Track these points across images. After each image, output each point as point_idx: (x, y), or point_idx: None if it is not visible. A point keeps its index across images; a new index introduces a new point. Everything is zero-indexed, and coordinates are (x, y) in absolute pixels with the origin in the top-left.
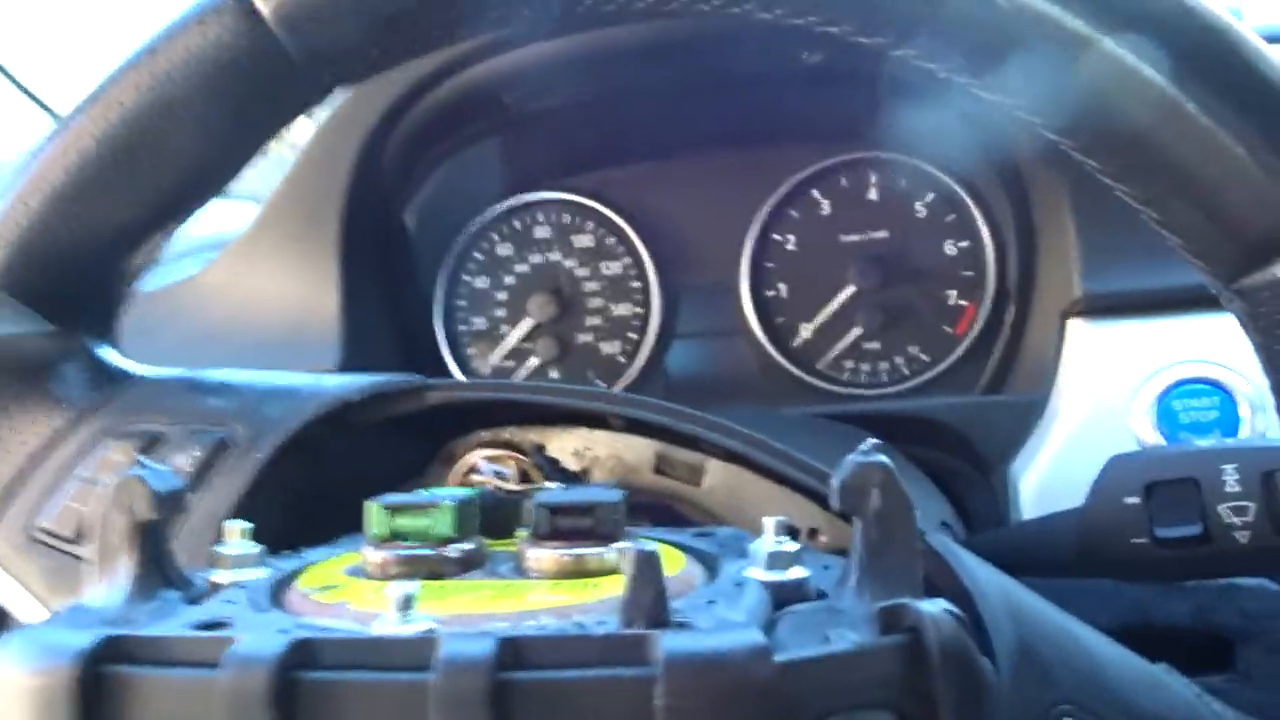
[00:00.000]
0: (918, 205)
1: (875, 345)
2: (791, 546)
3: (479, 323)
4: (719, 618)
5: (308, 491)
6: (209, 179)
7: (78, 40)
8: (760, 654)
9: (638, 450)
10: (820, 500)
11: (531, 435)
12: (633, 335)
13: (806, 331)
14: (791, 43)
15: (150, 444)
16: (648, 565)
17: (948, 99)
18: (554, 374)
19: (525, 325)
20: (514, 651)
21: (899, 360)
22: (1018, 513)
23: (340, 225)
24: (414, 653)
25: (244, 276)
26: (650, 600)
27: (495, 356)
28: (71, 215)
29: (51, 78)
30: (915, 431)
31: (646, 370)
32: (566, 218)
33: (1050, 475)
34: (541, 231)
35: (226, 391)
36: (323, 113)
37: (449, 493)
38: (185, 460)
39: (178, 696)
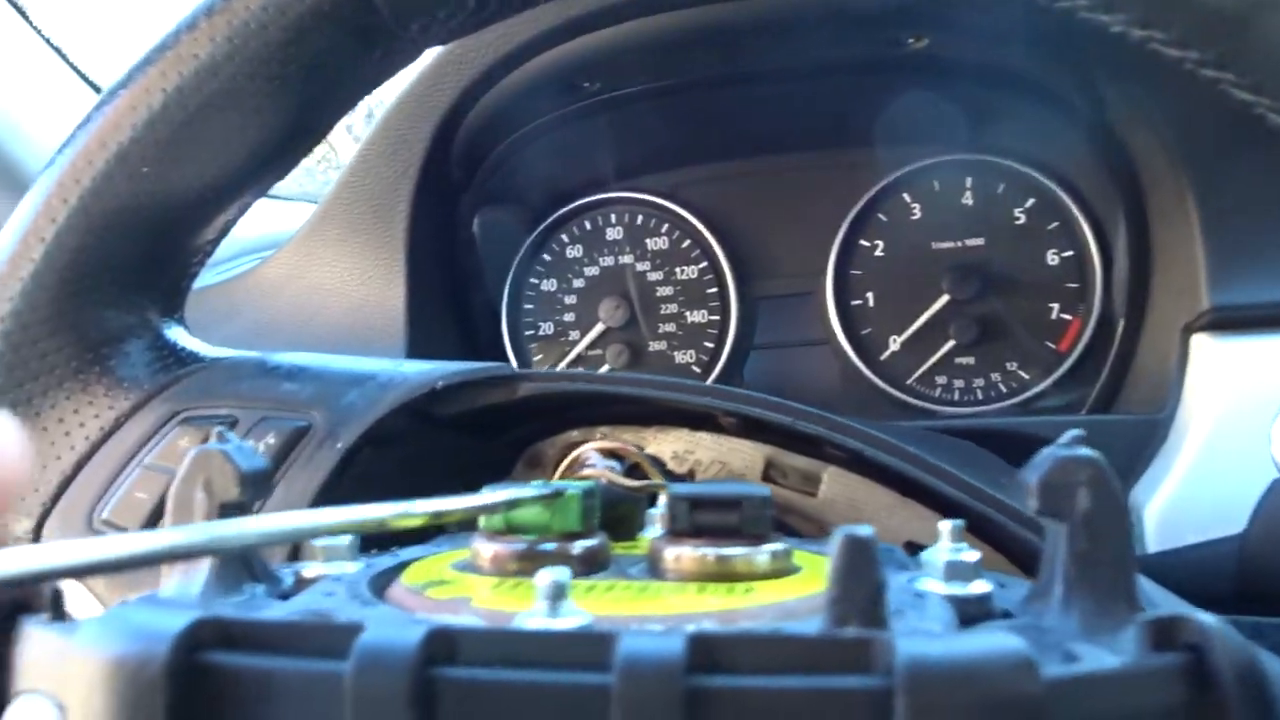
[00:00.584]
0: (1017, 211)
1: (969, 360)
2: (971, 556)
3: (546, 327)
4: (917, 629)
5: (387, 485)
6: (285, 146)
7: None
8: (1025, 666)
9: (746, 455)
10: (953, 514)
11: (626, 436)
12: (708, 344)
13: (895, 344)
14: (896, 25)
15: (219, 432)
16: (862, 554)
17: (1053, 92)
18: None
19: (595, 331)
20: (707, 652)
21: (995, 377)
22: (1141, 543)
23: (408, 218)
24: (585, 650)
25: (307, 270)
26: (867, 596)
27: (563, 363)
28: (139, 177)
29: (100, 56)
30: (1018, 452)
31: (722, 381)
32: (640, 219)
33: (1178, 502)
34: (613, 233)
35: (303, 376)
36: (388, 100)
37: (568, 485)
38: (260, 448)
39: (294, 690)
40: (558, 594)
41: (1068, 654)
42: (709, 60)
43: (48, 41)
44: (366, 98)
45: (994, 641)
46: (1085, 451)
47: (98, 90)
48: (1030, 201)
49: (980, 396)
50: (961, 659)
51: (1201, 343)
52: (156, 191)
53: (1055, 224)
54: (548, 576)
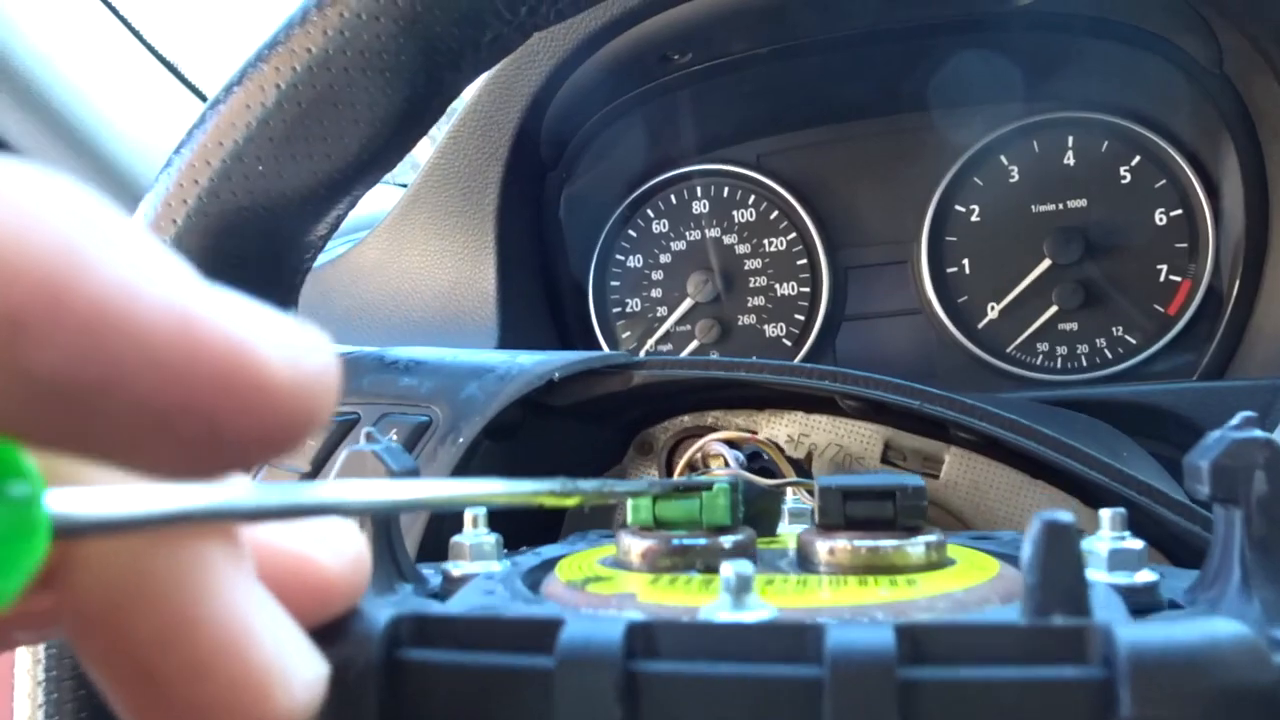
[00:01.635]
0: (1122, 170)
1: (1073, 326)
2: (1135, 544)
3: (633, 304)
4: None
5: (505, 476)
6: (397, 136)
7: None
8: (1255, 652)
9: (864, 437)
10: (1085, 495)
11: (739, 420)
12: (799, 316)
13: (994, 311)
14: None
15: (345, 427)
16: (1063, 539)
17: (1163, 42)
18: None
19: (684, 306)
20: (917, 643)
21: (1100, 343)
22: None
23: (498, 199)
24: (791, 643)
25: (398, 254)
26: (1070, 584)
27: (651, 340)
28: (255, 176)
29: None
30: (1130, 421)
31: (814, 355)
32: (725, 191)
33: None
34: (699, 206)
35: (421, 370)
36: (474, 83)
37: (715, 479)
38: None
39: (500, 686)
40: (743, 587)
41: (1272, 641)
42: (802, 24)
43: (154, 52)
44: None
45: (1218, 628)
46: (1259, 433)
47: (204, 99)
48: (1136, 159)
49: (1084, 364)
50: (1187, 646)
51: None
52: (272, 189)
53: (1163, 182)
54: (731, 569)
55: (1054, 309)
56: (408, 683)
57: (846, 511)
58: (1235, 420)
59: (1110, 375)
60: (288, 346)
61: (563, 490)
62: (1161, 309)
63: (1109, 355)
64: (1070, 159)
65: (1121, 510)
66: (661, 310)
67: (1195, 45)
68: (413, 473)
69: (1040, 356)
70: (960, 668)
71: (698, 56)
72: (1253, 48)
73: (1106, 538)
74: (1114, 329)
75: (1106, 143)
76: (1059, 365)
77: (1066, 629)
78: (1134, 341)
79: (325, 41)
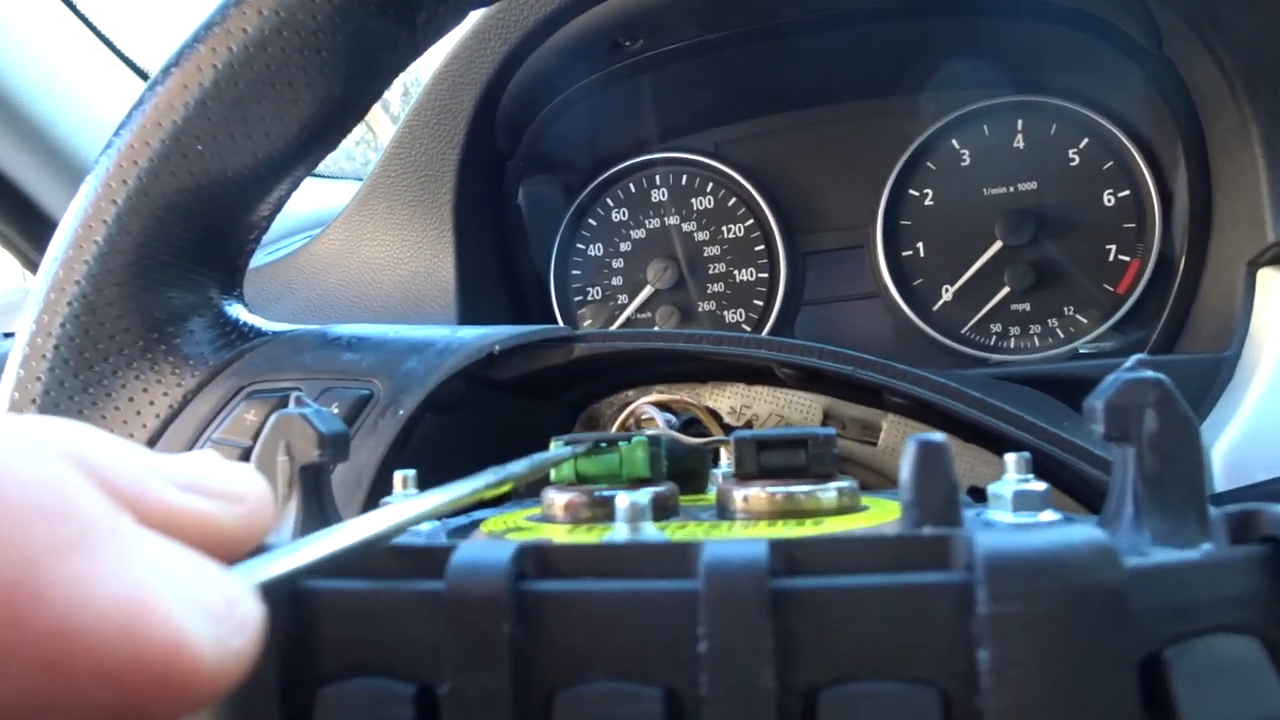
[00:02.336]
0: (1070, 152)
1: (1025, 307)
2: (1038, 486)
3: (594, 292)
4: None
5: (448, 450)
6: (337, 116)
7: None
8: (1106, 553)
9: (803, 406)
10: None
11: (683, 393)
12: (758, 302)
13: (948, 293)
14: None
15: (286, 402)
16: (936, 458)
17: (1106, 26)
18: None
19: (644, 293)
20: (789, 556)
21: (1052, 322)
22: (1210, 487)
23: (454, 188)
24: (670, 559)
25: (357, 245)
26: (942, 497)
27: (613, 327)
28: (194, 156)
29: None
30: (1080, 397)
31: None
32: (684, 179)
33: (1246, 440)
34: (658, 194)
35: (363, 346)
36: (429, 71)
37: (633, 435)
38: None
39: (388, 609)
40: (637, 515)
41: (1140, 553)
42: (750, 11)
43: (93, 29)
44: (403, 75)
45: (1073, 532)
46: (1150, 374)
47: (144, 76)
48: (1084, 141)
49: (1037, 343)
50: (1041, 549)
51: (1268, 277)
52: (212, 170)
53: (1110, 163)
54: (626, 499)
55: (1006, 290)
56: (309, 612)
57: (761, 461)
58: (1129, 362)
59: (1063, 354)
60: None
61: (498, 479)
62: (1111, 288)
63: (1061, 334)
64: (1020, 142)
65: (1026, 455)
66: (623, 297)
67: (1135, 28)
68: (341, 436)
69: (994, 337)
70: (831, 578)
71: (649, 43)
72: (1189, 29)
73: (1011, 480)
74: (1065, 309)
75: (1055, 125)
76: (1013, 345)
77: (932, 538)
78: (1085, 320)
79: (261, 22)
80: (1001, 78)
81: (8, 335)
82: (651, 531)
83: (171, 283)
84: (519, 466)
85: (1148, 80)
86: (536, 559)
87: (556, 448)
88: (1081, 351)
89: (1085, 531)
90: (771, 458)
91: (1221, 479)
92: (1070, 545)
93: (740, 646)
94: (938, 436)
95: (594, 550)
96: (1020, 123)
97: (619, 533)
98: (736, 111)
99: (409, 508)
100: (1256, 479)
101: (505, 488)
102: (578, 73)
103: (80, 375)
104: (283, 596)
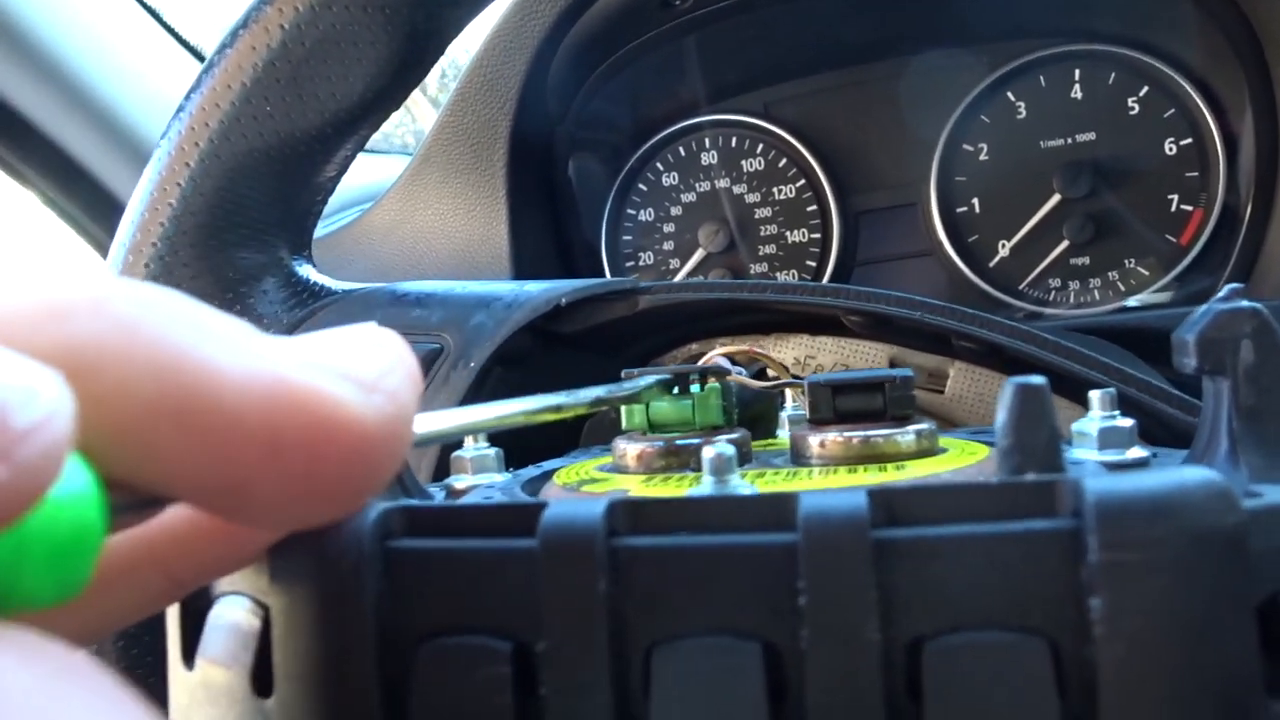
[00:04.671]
0: (1130, 101)
1: (1084, 260)
2: (1125, 422)
3: (646, 257)
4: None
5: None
6: (400, 74)
7: None
8: (1223, 495)
9: (869, 355)
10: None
11: (746, 345)
12: (810, 263)
13: (1005, 249)
14: None
15: None
16: (1036, 401)
17: None
18: None
19: (696, 257)
20: (890, 506)
21: (1113, 275)
22: None
23: (507, 155)
24: (767, 512)
25: (411, 215)
26: (1043, 443)
27: None
28: (263, 117)
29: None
30: (1146, 348)
31: None
32: (734, 141)
33: None
34: (707, 157)
35: (431, 302)
36: (476, 40)
37: (705, 367)
38: None
39: (483, 567)
40: (725, 468)
41: (1250, 494)
42: None
43: (154, 14)
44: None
45: (1186, 475)
46: (1245, 303)
47: (200, 58)
48: (1144, 90)
49: (1098, 297)
50: (1154, 492)
51: None
52: (280, 130)
53: (1171, 111)
54: (712, 450)
55: (1065, 244)
56: (403, 571)
57: (836, 405)
58: (1222, 293)
59: (1124, 307)
60: (370, 393)
61: (569, 403)
62: (1174, 239)
63: (1122, 287)
64: (1077, 92)
65: (1111, 390)
66: (674, 262)
67: None
68: (432, 355)
69: (1053, 292)
70: (933, 527)
71: (697, 2)
72: None
73: (1097, 417)
74: (1126, 261)
75: (1114, 74)
76: (1072, 300)
77: (1037, 484)
78: (1146, 273)
79: None
80: (1059, 27)
81: None
82: (739, 483)
83: (243, 243)
84: (588, 394)
85: (1211, 23)
86: (628, 514)
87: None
88: (1136, 303)
89: (1198, 473)
90: (847, 401)
91: None
92: (1184, 488)
93: (843, 599)
94: (1037, 379)
95: (687, 504)
96: (1078, 72)
97: (705, 485)
98: (786, 71)
99: (522, 404)
100: None
101: (576, 410)
102: (629, 33)
103: None
104: (376, 556)
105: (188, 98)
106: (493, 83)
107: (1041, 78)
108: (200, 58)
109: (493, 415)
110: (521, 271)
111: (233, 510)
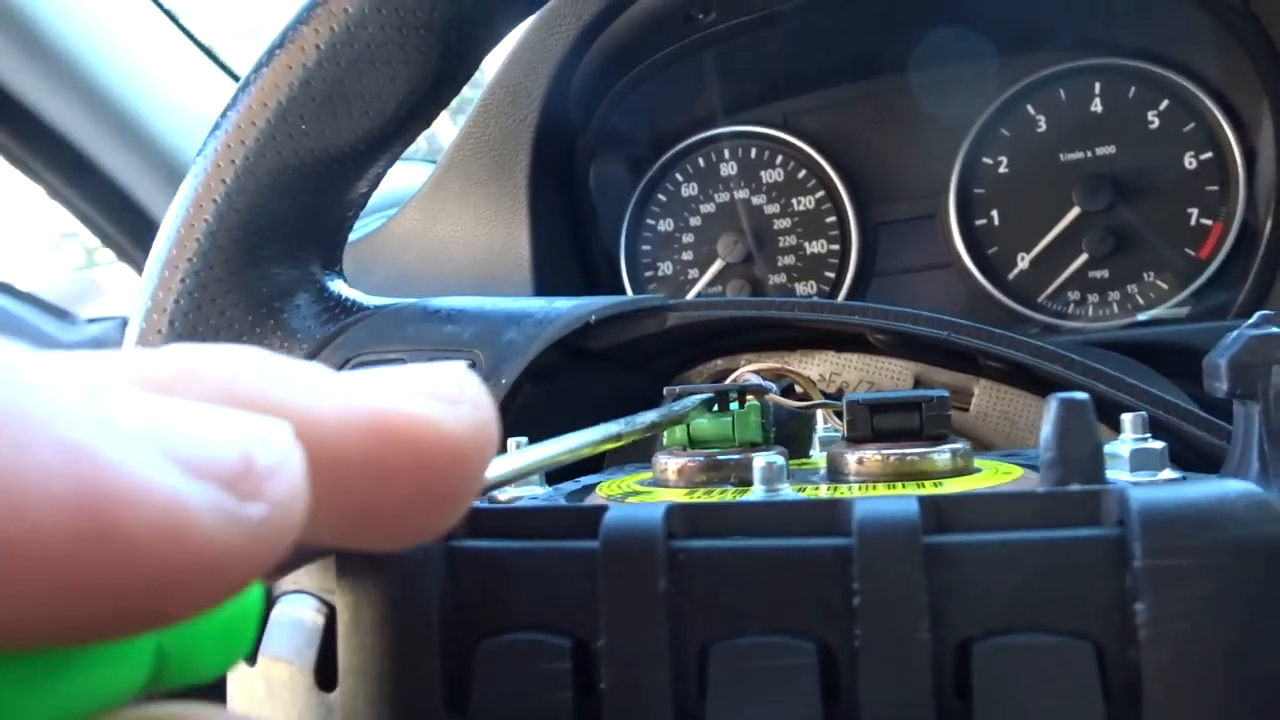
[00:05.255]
0: (1150, 115)
1: (1104, 273)
2: (1156, 445)
3: (664, 267)
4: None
5: (546, 417)
6: (431, 95)
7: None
8: (1264, 507)
9: (893, 373)
10: (1109, 423)
11: (771, 361)
12: (829, 274)
13: (1024, 261)
14: None
15: None
16: (1079, 415)
17: None
18: None
19: (715, 268)
20: (940, 513)
21: (1132, 289)
22: None
23: (529, 166)
24: (822, 516)
25: (433, 223)
26: (1087, 455)
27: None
28: (299, 135)
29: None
30: (1166, 363)
31: None
32: (753, 152)
33: None
34: (727, 168)
35: (463, 318)
36: (502, 50)
37: (742, 385)
38: None
39: (545, 567)
40: (776, 476)
41: None
42: None
43: (187, 33)
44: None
45: (1226, 486)
46: (1277, 329)
47: (234, 76)
48: (1164, 104)
49: (1117, 310)
50: (1197, 502)
51: None
52: (315, 148)
53: (1192, 125)
54: (763, 459)
55: (1084, 257)
56: (465, 571)
57: (874, 424)
58: (1253, 319)
59: (1143, 321)
60: (455, 405)
61: (628, 430)
62: (1193, 253)
63: (1141, 301)
64: (1098, 106)
65: (1143, 413)
66: (693, 272)
67: None
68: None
69: (1072, 305)
70: (982, 534)
71: (722, 14)
72: None
73: (1129, 440)
74: (1146, 274)
75: (1134, 88)
76: (1091, 313)
77: (1082, 493)
78: (1166, 286)
79: (361, 2)
80: (1078, 40)
81: (91, 320)
82: (789, 492)
83: (277, 259)
84: (646, 418)
85: (1231, 38)
86: (686, 518)
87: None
88: (1153, 317)
89: (1239, 486)
90: (885, 420)
91: None
92: (1226, 498)
93: (895, 600)
94: (1080, 395)
95: (743, 508)
96: (1098, 86)
97: (756, 494)
98: (805, 83)
99: (570, 441)
100: None
101: (636, 435)
102: (650, 48)
103: None
104: (439, 556)
105: (224, 115)
106: (516, 95)
107: (1061, 91)
108: (230, 73)
109: (561, 450)
110: (542, 281)
111: (355, 539)
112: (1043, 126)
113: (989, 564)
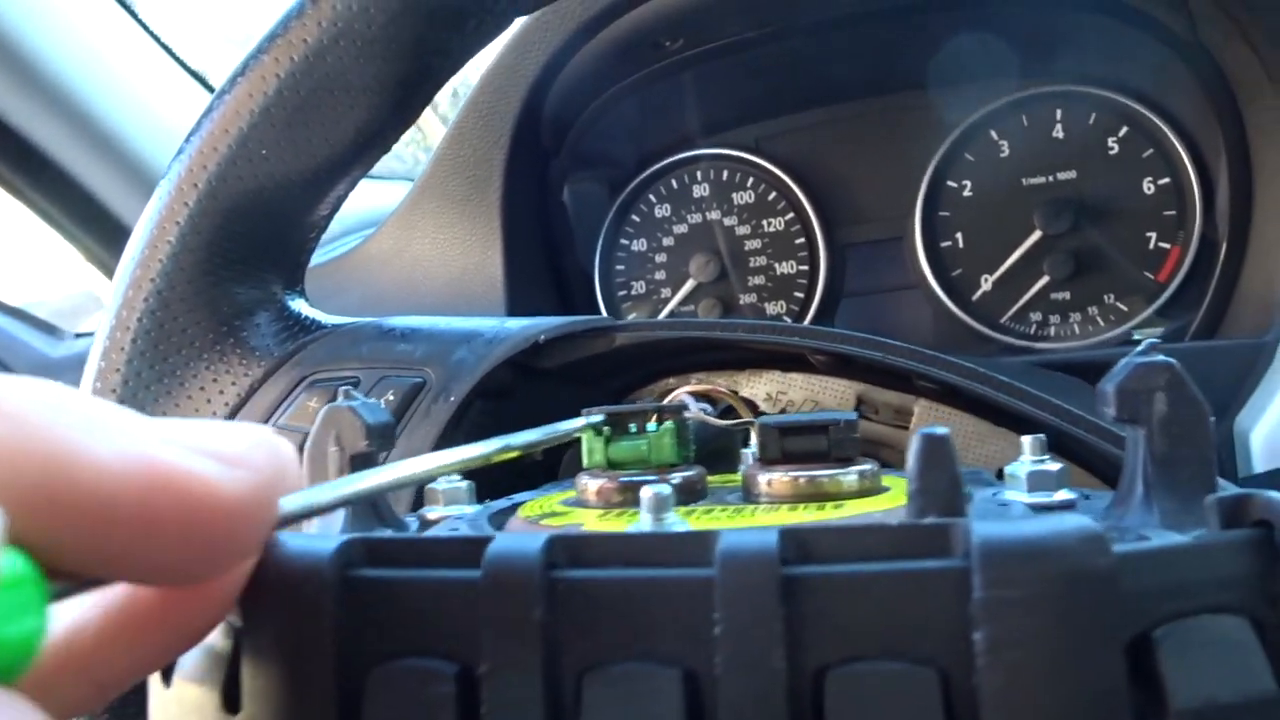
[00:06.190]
0: (1110, 140)
1: (1065, 295)
2: (1054, 466)
3: (638, 286)
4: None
5: (499, 435)
6: (389, 122)
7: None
8: (1095, 541)
9: (837, 392)
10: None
11: (720, 380)
12: (798, 294)
13: (987, 283)
14: None
15: (346, 390)
16: (939, 449)
17: (1140, 12)
18: None
19: (687, 287)
20: (799, 545)
21: (1093, 311)
22: (1247, 467)
23: (502, 187)
24: (688, 548)
25: (408, 244)
26: (946, 486)
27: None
28: (259, 160)
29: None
30: None
31: None
32: (725, 174)
33: None
34: (699, 190)
35: (416, 337)
36: (477, 74)
37: (657, 404)
38: (381, 404)
39: (434, 596)
40: (661, 506)
41: (1141, 537)
42: (789, 7)
43: (160, 42)
44: (452, 79)
45: (1065, 521)
46: (1161, 357)
47: (207, 86)
48: (1123, 130)
49: (1078, 331)
50: (1033, 537)
51: None
52: (275, 173)
53: (1150, 151)
54: (650, 491)
55: (1046, 279)
56: (360, 599)
57: (784, 447)
58: (1141, 346)
59: (1103, 342)
60: (233, 467)
61: (506, 446)
62: (1152, 276)
63: (1101, 323)
64: (1059, 132)
65: (1041, 436)
66: (666, 291)
67: (1169, 15)
68: (387, 426)
69: (1034, 326)
70: (838, 565)
71: (689, 42)
72: (1223, 14)
73: (1027, 461)
74: (1106, 297)
75: (1094, 115)
76: (1053, 334)
77: (933, 527)
78: (1126, 308)
79: (320, 33)
80: (1040, 68)
81: (79, 335)
82: (674, 520)
83: (238, 279)
84: (532, 435)
85: (1185, 67)
86: (566, 549)
87: (590, 434)
88: (1153, 340)
89: (1076, 520)
90: (794, 443)
91: (1260, 460)
92: (1060, 533)
93: (752, 629)
94: (941, 429)
95: (618, 540)
96: (1059, 112)
97: (643, 522)
98: (776, 107)
99: (420, 463)
100: None
101: (512, 455)
102: (620, 73)
103: (155, 366)
104: (336, 584)
105: (188, 140)
106: (489, 117)
107: (1024, 117)
108: (207, 86)
109: (432, 465)
110: (516, 301)
111: (131, 573)
112: (1006, 151)
113: (844, 593)
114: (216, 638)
